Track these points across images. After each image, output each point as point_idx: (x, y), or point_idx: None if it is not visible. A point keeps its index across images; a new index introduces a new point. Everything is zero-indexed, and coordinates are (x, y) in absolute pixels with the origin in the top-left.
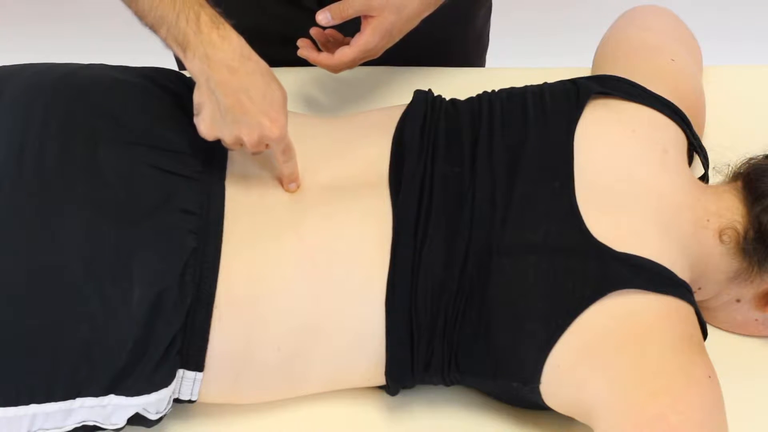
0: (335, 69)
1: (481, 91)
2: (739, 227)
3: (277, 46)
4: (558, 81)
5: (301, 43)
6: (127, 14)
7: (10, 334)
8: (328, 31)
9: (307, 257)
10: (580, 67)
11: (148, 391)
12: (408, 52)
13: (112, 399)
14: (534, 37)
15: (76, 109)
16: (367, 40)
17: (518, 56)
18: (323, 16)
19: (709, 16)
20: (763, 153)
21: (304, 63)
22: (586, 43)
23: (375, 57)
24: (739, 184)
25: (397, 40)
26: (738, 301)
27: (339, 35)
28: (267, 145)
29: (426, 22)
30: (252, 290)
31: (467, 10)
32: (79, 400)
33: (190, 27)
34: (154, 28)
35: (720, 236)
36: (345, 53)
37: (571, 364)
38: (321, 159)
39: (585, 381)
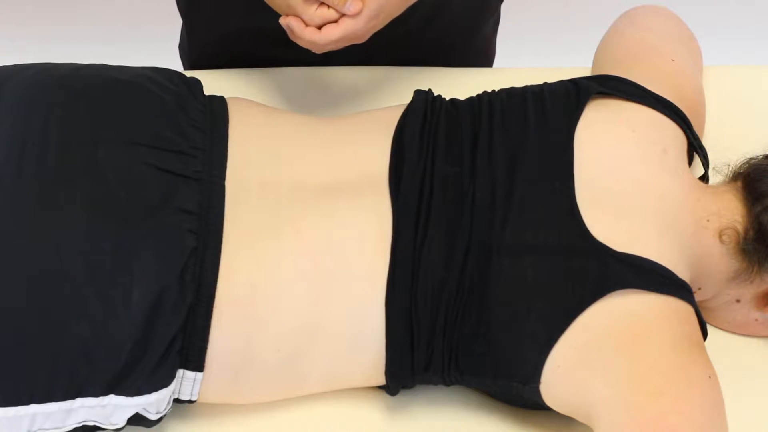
0: (319, 46)
1: (481, 91)
2: (739, 227)
3: (279, 47)
4: (558, 81)
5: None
6: (128, 15)
7: (11, 334)
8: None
9: (307, 256)
10: (580, 67)
11: (148, 391)
12: (412, 60)
13: (112, 399)
14: (534, 37)
15: (76, 109)
16: (354, 21)
17: (518, 56)
18: None
19: (709, 16)
20: (763, 153)
21: (304, 63)
22: (586, 42)
23: (360, 41)
24: (739, 184)
25: (383, 24)
26: (738, 301)
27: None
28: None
29: (432, 29)
30: (252, 290)
31: (475, 20)
32: (79, 400)
33: None
34: None
35: (720, 236)
36: (332, 31)
37: (571, 364)
38: (321, 159)
39: (585, 381)
